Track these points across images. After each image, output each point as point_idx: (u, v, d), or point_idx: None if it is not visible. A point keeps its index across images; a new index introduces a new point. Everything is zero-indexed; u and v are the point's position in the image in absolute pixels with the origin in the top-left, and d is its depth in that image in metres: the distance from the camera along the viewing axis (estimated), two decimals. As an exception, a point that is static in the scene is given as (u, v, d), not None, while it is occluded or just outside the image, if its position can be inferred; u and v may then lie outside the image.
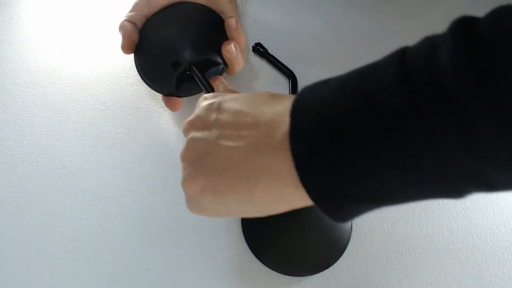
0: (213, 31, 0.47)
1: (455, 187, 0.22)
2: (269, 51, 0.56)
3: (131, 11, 0.48)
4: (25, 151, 0.51)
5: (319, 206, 0.24)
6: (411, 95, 0.20)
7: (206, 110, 0.30)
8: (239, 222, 0.47)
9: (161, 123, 0.53)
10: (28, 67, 0.57)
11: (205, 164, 0.28)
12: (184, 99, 0.49)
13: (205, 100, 0.32)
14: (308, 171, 0.23)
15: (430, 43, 0.21)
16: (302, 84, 0.54)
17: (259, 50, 0.56)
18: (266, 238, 0.46)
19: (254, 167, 0.26)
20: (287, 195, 0.25)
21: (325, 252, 0.45)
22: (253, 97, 0.29)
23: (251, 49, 0.56)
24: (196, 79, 0.44)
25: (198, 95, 0.46)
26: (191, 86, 0.45)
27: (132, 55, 0.49)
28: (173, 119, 0.53)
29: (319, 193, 0.24)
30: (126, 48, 0.47)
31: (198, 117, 0.31)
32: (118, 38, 0.49)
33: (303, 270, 0.45)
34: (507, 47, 0.18)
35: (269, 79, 0.56)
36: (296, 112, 0.24)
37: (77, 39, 0.59)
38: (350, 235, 0.46)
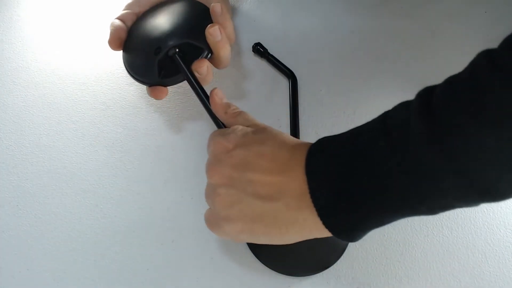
0: (198, 17, 0.46)
1: (431, 212, 0.29)
2: (269, 51, 0.56)
3: (123, 10, 0.48)
4: (25, 151, 0.51)
5: (340, 238, 0.32)
6: (391, 153, 0.28)
7: (228, 159, 0.34)
8: (239, 222, 0.47)
9: (161, 123, 0.53)
10: (28, 67, 0.57)
11: (241, 211, 0.33)
12: (175, 99, 0.48)
13: (220, 145, 0.35)
14: (330, 221, 0.31)
15: (406, 107, 0.28)
16: (301, 84, 0.55)
17: (259, 50, 0.56)
18: (266, 238, 0.46)
19: (285, 219, 0.32)
20: (311, 235, 0.33)
21: (325, 252, 0.45)
22: (272, 150, 0.34)
23: (251, 49, 0.56)
24: (178, 65, 0.42)
25: (183, 84, 0.44)
26: (174, 73, 0.43)
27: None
28: (174, 119, 0.53)
29: (341, 232, 0.31)
30: (112, 43, 0.46)
31: (222, 166, 0.34)
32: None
33: (303, 270, 0.45)
34: (442, 118, 0.26)
35: (269, 79, 0.56)
36: (311, 178, 0.31)
37: (77, 39, 0.59)
38: (350, 235, 0.46)
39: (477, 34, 0.57)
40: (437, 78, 0.28)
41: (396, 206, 0.29)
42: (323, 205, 0.31)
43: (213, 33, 0.42)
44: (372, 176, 0.29)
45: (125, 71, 0.48)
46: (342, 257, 0.45)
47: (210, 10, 0.45)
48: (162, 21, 0.46)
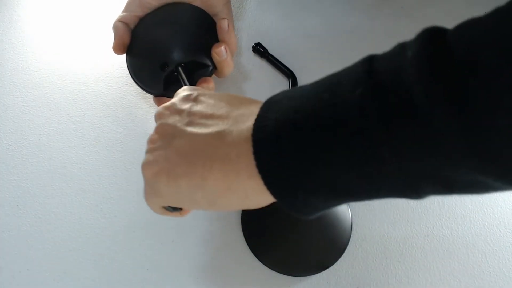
0: (204, 32, 0.46)
1: (413, 185, 0.22)
2: (269, 51, 0.56)
3: (123, 11, 0.48)
4: (25, 151, 0.51)
5: (274, 195, 0.25)
6: (375, 93, 0.21)
7: (182, 99, 0.31)
8: (239, 222, 0.47)
9: (161, 123, 0.53)
10: (28, 67, 0.57)
11: (168, 148, 0.28)
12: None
13: (184, 91, 0.33)
14: (265, 158, 0.24)
15: (399, 49, 0.22)
16: (301, 84, 0.54)
17: (259, 50, 0.56)
18: (266, 238, 0.46)
19: (213, 153, 0.26)
20: (240, 186, 0.26)
21: (325, 252, 0.45)
22: (232, 97, 0.30)
23: (251, 49, 0.56)
24: (181, 81, 0.44)
25: None
26: (178, 85, 0.45)
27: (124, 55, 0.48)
28: (173, 119, 0.53)
29: (274, 180, 0.24)
30: (117, 49, 0.46)
31: (173, 104, 0.31)
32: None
33: (303, 270, 0.45)
34: (465, 57, 0.19)
35: (269, 79, 0.56)
36: (264, 107, 0.26)
37: (77, 39, 0.59)
38: (350, 235, 0.46)
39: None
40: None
41: (369, 161, 0.21)
42: (262, 137, 0.24)
43: (219, 53, 0.44)
44: (334, 114, 0.22)
45: (126, 71, 0.48)
46: (342, 257, 0.45)
47: (217, 27, 0.46)
48: (168, 34, 0.46)
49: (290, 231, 0.45)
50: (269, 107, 0.26)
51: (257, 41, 0.56)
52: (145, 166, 0.30)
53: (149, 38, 0.47)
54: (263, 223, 0.46)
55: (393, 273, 0.45)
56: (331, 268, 0.45)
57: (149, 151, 0.31)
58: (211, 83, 0.45)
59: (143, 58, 0.47)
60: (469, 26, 0.20)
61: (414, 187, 0.22)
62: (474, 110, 0.18)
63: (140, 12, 0.47)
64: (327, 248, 0.46)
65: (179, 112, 0.30)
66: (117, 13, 0.49)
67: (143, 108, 0.54)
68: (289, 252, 0.45)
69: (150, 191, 0.31)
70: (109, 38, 0.48)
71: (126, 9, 0.48)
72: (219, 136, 0.26)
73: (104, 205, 0.48)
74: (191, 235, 0.47)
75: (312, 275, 0.44)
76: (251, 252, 0.45)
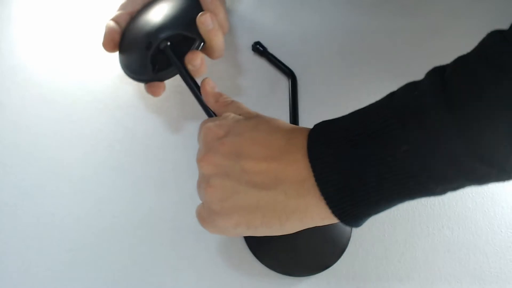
0: (187, 7, 0.45)
1: (444, 193, 0.28)
2: (268, 50, 0.56)
3: (117, 10, 0.48)
4: (23, 151, 0.51)
5: (346, 224, 0.31)
6: (406, 133, 0.26)
7: (220, 147, 0.33)
8: (239, 222, 0.47)
9: (161, 123, 0.53)
10: (27, 66, 0.57)
11: (236, 203, 0.32)
12: (175, 99, 0.48)
13: (209, 132, 0.34)
14: (340, 208, 0.29)
15: (413, 92, 0.28)
16: (301, 83, 0.54)
17: (259, 49, 0.56)
18: (266, 238, 0.46)
19: (284, 208, 0.31)
20: (313, 222, 0.31)
21: (325, 252, 0.45)
22: (265, 136, 0.32)
23: (251, 48, 0.56)
24: (170, 59, 0.41)
25: (182, 84, 0.44)
26: (168, 66, 0.43)
27: None
28: (173, 119, 0.53)
29: (348, 218, 0.30)
30: (106, 46, 0.46)
31: (213, 154, 0.33)
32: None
33: (303, 270, 0.45)
34: (458, 88, 0.25)
35: (269, 78, 0.55)
36: (316, 165, 0.29)
37: (77, 38, 0.59)
38: (350, 235, 0.46)
39: (479, 33, 0.57)
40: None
41: (411, 188, 0.27)
42: (332, 193, 0.29)
43: (204, 21, 0.41)
44: (386, 158, 0.27)
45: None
46: (342, 257, 0.45)
47: None
48: (152, 16, 0.45)
49: (290, 231, 0.45)
50: (320, 167, 0.29)
51: (256, 40, 0.56)
52: (220, 220, 0.32)
53: (134, 27, 0.46)
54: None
55: (393, 273, 0.44)
56: (331, 268, 0.45)
57: (215, 204, 0.32)
58: (198, 55, 0.42)
59: (130, 47, 0.46)
60: (456, 67, 0.27)
61: (443, 194, 0.28)
62: (471, 130, 0.25)
63: (131, 9, 0.47)
64: (327, 248, 0.45)
65: (231, 169, 0.32)
66: (113, 12, 0.49)
67: (143, 108, 0.54)
68: (289, 252, 0.45)
69: (222, 232, 0.34)
70: (108, 37, 0.48)
71: (119, 8, 0.48)
72: (284, 193, 0.30)
73: (103, 205, 0.48)
74: (191, 235, 0.46)
75: (312, 275, 0.44)
76: (251, 252, 0.45)
